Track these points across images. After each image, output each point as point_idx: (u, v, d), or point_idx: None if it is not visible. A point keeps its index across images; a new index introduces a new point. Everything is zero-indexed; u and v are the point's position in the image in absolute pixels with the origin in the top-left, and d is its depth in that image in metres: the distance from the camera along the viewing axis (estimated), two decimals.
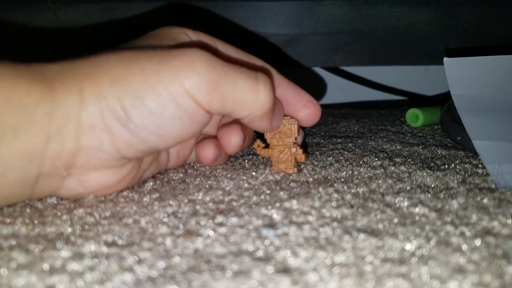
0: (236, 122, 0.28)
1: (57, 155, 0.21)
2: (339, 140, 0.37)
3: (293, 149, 0.28)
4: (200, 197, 0.24)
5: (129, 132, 0.21)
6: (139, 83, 0.21)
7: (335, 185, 0.25)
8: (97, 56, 0.22)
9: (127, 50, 0.22)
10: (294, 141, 0.28)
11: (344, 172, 0.28)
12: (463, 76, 0.28)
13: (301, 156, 0.28)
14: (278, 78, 0.28)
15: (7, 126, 0.19)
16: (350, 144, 0.35)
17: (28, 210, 0.22)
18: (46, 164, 0.21)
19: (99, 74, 0.21)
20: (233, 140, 0.27)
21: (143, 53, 0.22)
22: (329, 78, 0.61)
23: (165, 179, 0.27)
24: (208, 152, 0.28)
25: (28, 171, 0.20)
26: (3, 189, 0.21)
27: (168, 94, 0.21)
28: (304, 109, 0.28)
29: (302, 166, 0.29)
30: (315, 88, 0.62)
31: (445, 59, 0.28)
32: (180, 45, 0.25)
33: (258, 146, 0.28)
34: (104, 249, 0.18)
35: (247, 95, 0.23)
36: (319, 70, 0.61)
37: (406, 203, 0.23)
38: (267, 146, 0.28)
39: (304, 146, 0.29)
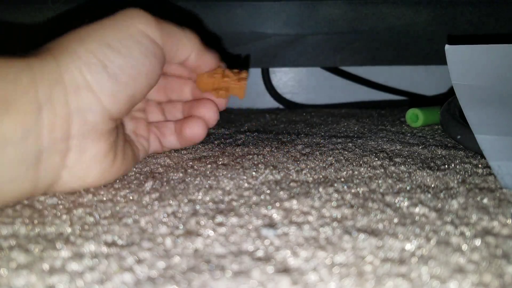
0: (204, 98, 0.32)
1: (52, 125, 0.22)
2: (339, 140, 0.37)
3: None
4: (200, 197, 0.24)
5: (109, 78, 0.24)
6: (105, 34, 0.25)
7: (335, 185, 0.25)
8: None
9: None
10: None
11: (344, 172, 0.28)
12: (465, 65, 0.27)
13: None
14: None
15: None
16: (350, 144, 0.35)
17: (28, 210, 0.22)
18: (44, 138, 0.22)
19: (67, 40, 0.24)
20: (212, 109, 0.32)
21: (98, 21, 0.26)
22: (329, 78, 0.61)
23: (165, 179, 0.27)
24: (197, 128, 0.32)
25: (26, 146, 0.21)
26: (6, 167, 0.21)
27: (128, 35, 0.25)
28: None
29: (303, 166, 0.29)
30: (316, 88, 0.62)
31: (447, 46, 0.27)
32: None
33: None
34: (104, 249, 0.18)
35: (181, 34, 0.28)
36: (319, 70, 0.61)
37: (406, 203, 0.23)
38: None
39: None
